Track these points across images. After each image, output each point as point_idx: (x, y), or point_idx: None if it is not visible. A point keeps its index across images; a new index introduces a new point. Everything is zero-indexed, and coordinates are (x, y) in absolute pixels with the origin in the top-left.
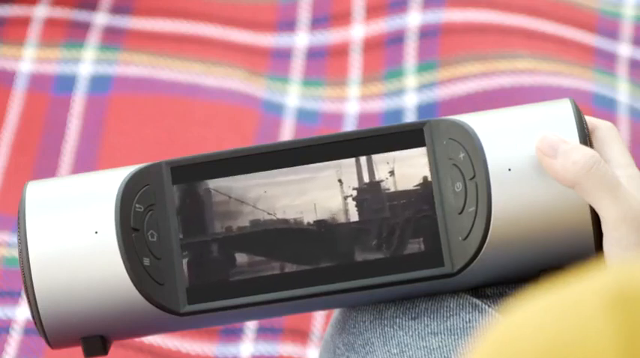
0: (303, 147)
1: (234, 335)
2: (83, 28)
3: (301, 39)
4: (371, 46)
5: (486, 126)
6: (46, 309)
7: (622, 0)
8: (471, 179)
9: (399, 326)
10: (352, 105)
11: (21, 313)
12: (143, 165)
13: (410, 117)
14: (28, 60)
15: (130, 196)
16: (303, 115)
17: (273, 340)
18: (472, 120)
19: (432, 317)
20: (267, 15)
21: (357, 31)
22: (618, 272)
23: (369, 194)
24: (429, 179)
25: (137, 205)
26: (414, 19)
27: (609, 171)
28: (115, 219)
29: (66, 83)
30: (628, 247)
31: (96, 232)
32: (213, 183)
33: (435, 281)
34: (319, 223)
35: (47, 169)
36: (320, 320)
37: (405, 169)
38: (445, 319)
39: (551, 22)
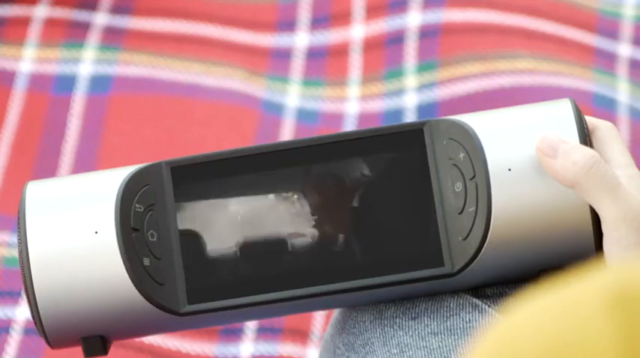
0: (303, 147)
1: (234, 335)
2: (83, 28)
3: (301, 39)
4: (371, 46)
5: (486, 126)
6: (46, 309)
7: (622, 0)
8: (471, 179)
9: (399, 326)
10: (352, 105)
11: (21, 313)
12: (143, 165)
13: (410, 117)
14: (28, 60)
15: (130, 196)
16: (303, 115)
17: (273, 340)
18: (472, 120)
19: (432, 317)
20: (267, 15)
21: (357, 31)
22: (618, 272)
23: (369, 194)
24: (429, 179)
25: (137, 205)
26: (414, 19)
27: (609, 171)
28: (115, 219)
29: (66, 83)
30: (628, 247)
31: (96, 232)
32: (213, 183)
33: (435, 281)
34: (319, 223)
35: (47, 169)
36: (320, 320)
37: (405, 169)
38: (445, 319)
39: (551, 22)
